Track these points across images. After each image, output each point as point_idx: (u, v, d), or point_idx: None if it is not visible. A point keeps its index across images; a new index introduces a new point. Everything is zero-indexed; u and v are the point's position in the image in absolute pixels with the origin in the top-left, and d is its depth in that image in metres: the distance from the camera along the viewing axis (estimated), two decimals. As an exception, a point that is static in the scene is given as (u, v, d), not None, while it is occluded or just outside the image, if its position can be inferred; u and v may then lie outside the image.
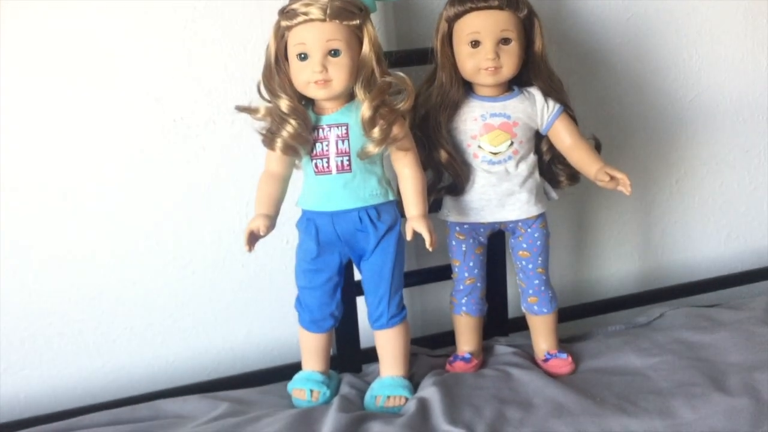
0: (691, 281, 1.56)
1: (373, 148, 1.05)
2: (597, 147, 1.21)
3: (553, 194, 1.23)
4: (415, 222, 1.09)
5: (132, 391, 1.28)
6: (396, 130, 1.06)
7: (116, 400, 1.23)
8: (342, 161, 1.08)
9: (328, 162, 1.09)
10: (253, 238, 1.08)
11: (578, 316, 1.45)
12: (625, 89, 1.49)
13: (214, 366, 1.38)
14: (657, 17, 1.48)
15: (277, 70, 1.08)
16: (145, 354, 1.34)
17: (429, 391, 1.12)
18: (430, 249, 1.09)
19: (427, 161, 1.15)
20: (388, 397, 1.13)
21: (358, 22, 1.05)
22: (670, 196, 1.60)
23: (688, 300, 1.50)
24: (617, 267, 1.60)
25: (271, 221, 1.09)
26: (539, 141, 1.21)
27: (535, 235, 1.20)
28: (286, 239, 1.34)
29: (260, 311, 1.40)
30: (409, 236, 1.09)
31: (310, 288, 1.15)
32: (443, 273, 1.31)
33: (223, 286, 1.37)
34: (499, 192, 1.17)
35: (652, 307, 1.44)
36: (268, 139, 1.08)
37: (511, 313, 1.38)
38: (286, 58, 1.08)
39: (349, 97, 1.10)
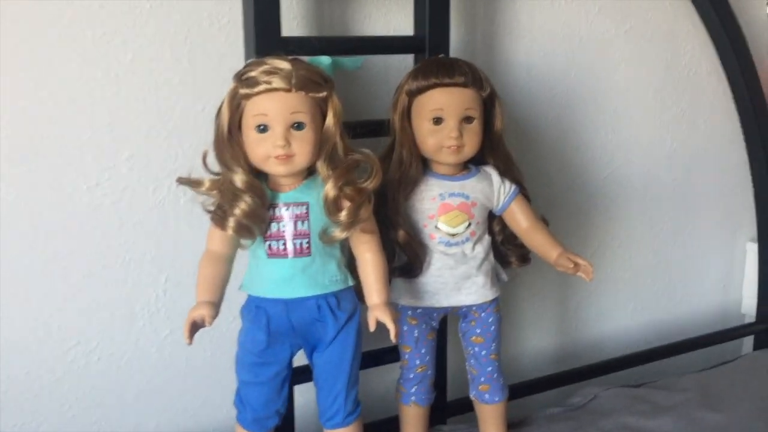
0: (613, 358, 1.57)
1: (340, 233, 0.97)
2: (543, 225, 1.19)
3: (504, 276, 1.20)
4: (379, 311, 1.01)
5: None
6: (363, 212, 0.98)
7: None
8: (301, 244, 0.98)
9: (284, 244, 0.98)
10: (194, 329, 0.95)
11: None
12: (549, 166, 1.50)
13: (120, 465, 1.21)
14: (578, 96, 1.51)
15: (229, 141, 0.96)
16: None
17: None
18: (394, 341, 1.01)
19: (382, 241, 1.07)
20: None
21: (324, 94, 0.97)
22: (584, 270, 1.62)
23: (610, 378, 1.50)
24: (535, 342, 1.59)
25: (216, 309, 0.97)
26: (491, 221, 1.17)
27: (489, 320, 1.15)
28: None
29: (176, 400, 1.25)
30: (372, 326, 1.01)
31: (255, 383, 1.03)
32: (385, 357, 1.23)
33: (133, 373, 1.21)
34: (456, 275, 1.12)
35: (579, 385, 1.43)
36: (219, 217, 0.96)
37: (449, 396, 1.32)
38: (240, 128, 0.97)
39: (308, 172, 1.00)
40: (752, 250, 1.75)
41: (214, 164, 0.99)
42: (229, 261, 1.01)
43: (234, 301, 1.04)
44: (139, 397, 1.22)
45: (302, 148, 0.96)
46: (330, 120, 0.97)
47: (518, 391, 1.34)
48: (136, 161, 1.14)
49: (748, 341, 1.75)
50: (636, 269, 1.68)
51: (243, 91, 0.95)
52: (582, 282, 1.57)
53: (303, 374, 1.13)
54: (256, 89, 0.94)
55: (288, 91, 0.94)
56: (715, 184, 1.72)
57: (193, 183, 0.99)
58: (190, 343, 0.95)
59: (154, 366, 1.22)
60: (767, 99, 1.62)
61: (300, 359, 1.08)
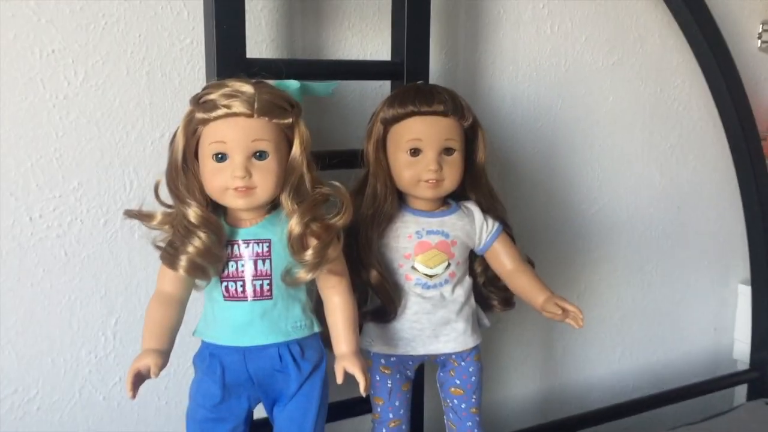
0: (602, 408, 1.48)
1: (305, 275, 0.87)
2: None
3: (486, 321, 1.10)
4: (347, 361, 0.91)
5: None
6: (331, 251, 0.88)
7: None
8: (261, 285, 0.89)
9: (243, 285, 0.89)
10: (138, 381, 0.84)
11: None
12: (534, 201, 1.43)
13: None
14: (565, 128, 1.44)
15: (184, 171, 0.87)
16: None
17: None
18: (364, 394, 0.90)
19: (353, 282, 0.98)
20: None
21: (290, 120, 0.88)
22: (571, 312, 1.53)
23: (598, 430, 1.43)
24: (517, 390, 1.50)
25: (165, 358, 0.86)
26: (472, 262, 1.08)
27: (470, 369, 1.06)
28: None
29: (123, 455, 1.13)
30: (339, 378, 0.90)
31: (208, 441, 0.92)
32: (355, 408, 1.13)
33: (77, 425, 1.10)
34: (434, 321, 1.02)
35: None
36: (169, 255, 0.86)
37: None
38: (196, 157, 0.88)
39: (271, 206, 0.91)
40: (744, 292, 1.68)
41: (167, 196, 0.90)
42: (181, 304, 0.91)
43: (194, 342, 0.94)
44: (83, 451, 1.10)
45: (264, 179, 0.86)
46: (296, 149, 0.89)
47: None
48: (86, 191, 1.05)
49: (741, 389, 1.67)
50: (624, 312, 1.60)
51: (200, 115, 0.86)
52: (567, 326, 1.50)
53: (264, 428, 1.02)
54: (214, 113, 0.85)
55: (250, 116, 0.85)
56: (706, 223, 1.65)
57: (143, 216, 0.89)
58: (133, 396, 0.84)
59: (101, 417, 1.11)
60: (761, 135, 1.55)
61: (261, 410, 0.97)
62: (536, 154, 1.41)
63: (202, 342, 0.93)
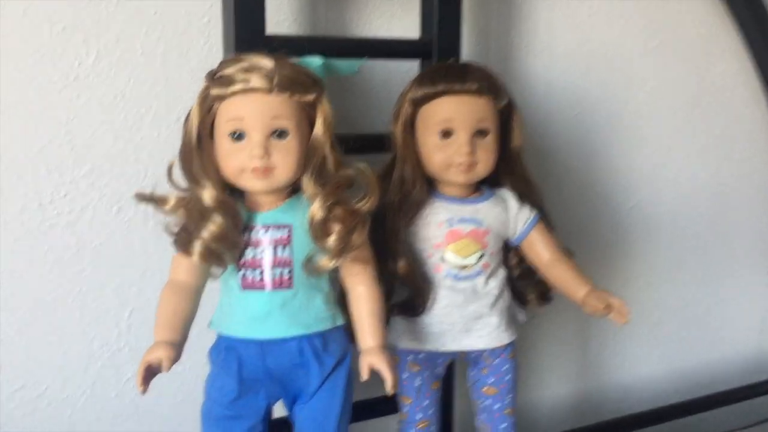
0: (640, 412, 1.41)
1: (327, 262, 0.81)
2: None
3: (522, 316, 1.03)
4: (374, 356, 0.84)
5: None
6: (356, 237, 0.82)
7: None
8: (281, 274, 0.83)
9: (261, 274, 0.83)
10: (150, 374, 0.79)
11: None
12: (567, 193, 1.36)
13: None
14: (602, 117, 1.37)
15: (199, 151, 0.81)
16: None
17: None
18: (391, 392, 0.84)
19: (379, 272, 0.91)
20: None
21: (312, 97, 0.82)
22: (605, 315, 1.47)
23: None
24: (551, 391, 1.44)
25: (177, 350, 0.80)
26: (507, 253, 1.01)
27: (504, 368, 0.99)
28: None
29: (138, 456, 1.08)
30: (365, 375, 0.84)
31: (224, 441, 0.86)
32: (381, 407, 1.06)
33: (89, 422, 1.05)
34: (466, 314, 0.95)
35: None
36: (183, 240, 0.81)
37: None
38: (211, 136, 0.82)
39: (291, 190, 0.85)
40: (791, 292, 1.58)
41: (182, 180, 0.84)
42: (196, 293, 0.85)
43: (213, 336, 0.89)
44: (95, 452, 1.05)
45: (284, 159, 0.80)
46: (318, 128, 0.82)
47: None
48: (98, 177, 1.00)
49: (788, 394, 1.58)
50: (662, 312, 1.52)
51: (215, 91, 0.80)
52: (603, 325, 1.46)
53: (283, 427, 0.96)
54: (231, 89, 0.79)
55: (269, 92, 0.79)
56: (752, 219, 1.57)
57: (155, 200, 0.84)
58: (144, 391, 0.79)
59: (114, 414, 1.06)
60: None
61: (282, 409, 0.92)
62: (571, 144, 1.34)
63: (218, 335, 0.87)
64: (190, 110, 0.83)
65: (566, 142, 1.33)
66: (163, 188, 0.84)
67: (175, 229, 0.82)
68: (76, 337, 1.02)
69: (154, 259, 1.04)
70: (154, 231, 1.01)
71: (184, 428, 1.09)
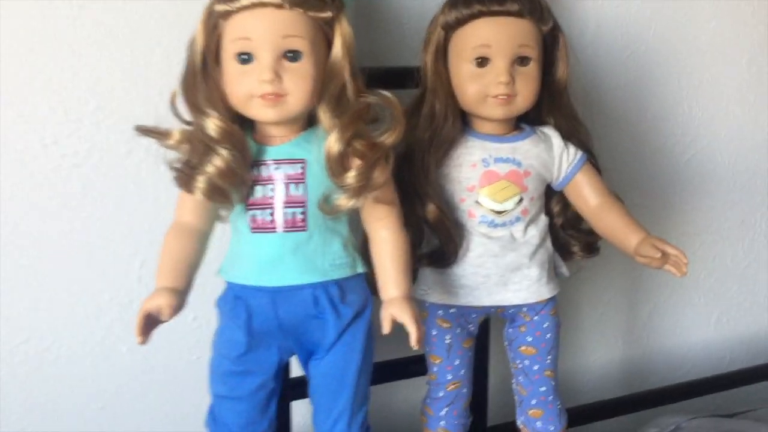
0: (694, 380, 1.32)
1: (346, 201, 0.73)
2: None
3: (564, 270, 0.94)
4: (397, 307, 0.76)
5: None
6: (378, 174, 0.73)
7: None
8: (293, 214, 0.75)
9: (272, 214, 0.75)
10: (150, 324, 0.72)
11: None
12: (618, 140, 1.26)
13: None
14: (658, 59, 1.27)
15: (204, 77, 0.74)
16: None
17: None
18: (416, 347, 0.75)
19: (407, 218, 0.83)
20: None
21: (329, 14, 0.73)
22: (658, 272, 1.35)
23: (691, 404, 1.27)
24: (599, 355, 1.36)
25: (180, 298, 0.73)
26: (549, 198, 0.92)
27: (545, 325, 0.90)
28: (193, 314, 0.99)
29: (149, 414, 1.03)
30: (386, 328, 0.76)
31: (232, 398, 0.79)
32: (408, 368, 0.99)
33: (99, 378, 0.99)
34: (502, 266, 0.86)
35: (654, 412, 1.21)
36: (185, 176, 0.73)
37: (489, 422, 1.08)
38: (217, 61, 0.74)
39: (308, 121, 0.76)
40: None
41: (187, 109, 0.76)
42: (202, 236, 0.78)
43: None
44: (106, 408, 1.01)
45: (297, 85, 0.72)
46: (337, 50, 0.74)
47: (578, 417, 1.10)
48: (105, 115, 0.93)
49: None
50: (721, 272, 1.43)
51: (220, 7, 0.72)
52: (656, 286, 1.37)
53: (302, 386, 0.88)
54: (238, 4, 0.71)
55: (280, 7, 0.71)
56: (822, 173, 1.44)
57: (158, 134, 0.77)
58: (143, 341, 0.72)
59: (125, 370, 1.00)
60: None
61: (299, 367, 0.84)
62: (623, 88, 1.24)
63: (227, 283, 0.79)
64: (194, 32, 0.75)
65: (617, 86, 1.24)
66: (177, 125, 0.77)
67: (178, 165, 0.75)
68: (84, 289, 0.97)
69: (167, 205, 0.95)
70: (166, 175, 0.95)
71: (201, 387, 1.03)
